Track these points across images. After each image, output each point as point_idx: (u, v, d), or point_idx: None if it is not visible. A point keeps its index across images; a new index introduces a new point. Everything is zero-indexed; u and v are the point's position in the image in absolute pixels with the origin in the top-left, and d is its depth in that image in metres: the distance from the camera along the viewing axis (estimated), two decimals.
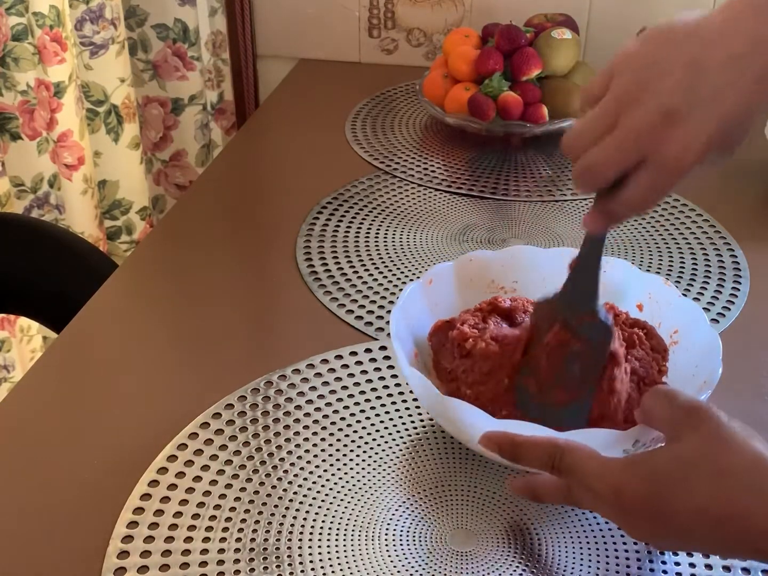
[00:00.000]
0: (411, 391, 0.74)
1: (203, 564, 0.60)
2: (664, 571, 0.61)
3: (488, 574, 0.60)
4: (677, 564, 0.61)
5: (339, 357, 0.79)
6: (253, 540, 0.62)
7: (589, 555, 0.61)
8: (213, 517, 0.64)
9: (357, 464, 0.68)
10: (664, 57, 0.52)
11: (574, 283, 0.61)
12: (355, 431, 0.71)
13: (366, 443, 0.70)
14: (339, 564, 0.60)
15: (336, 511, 0.64)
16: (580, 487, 0.54)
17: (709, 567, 0.61)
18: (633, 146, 0.52)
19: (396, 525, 0.63)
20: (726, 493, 0.49)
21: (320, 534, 0.63)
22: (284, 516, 0.64)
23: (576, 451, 0.54)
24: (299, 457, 0.69)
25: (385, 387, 0.76)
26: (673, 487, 0.50)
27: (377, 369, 0.78)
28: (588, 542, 0.62)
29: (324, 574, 0.60)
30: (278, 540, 0.62)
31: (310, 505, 0.65)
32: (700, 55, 0.51)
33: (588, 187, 0.56)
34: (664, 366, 0.68)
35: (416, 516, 0.64)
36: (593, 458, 0.54)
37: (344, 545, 0.62)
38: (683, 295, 0.73)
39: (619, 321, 0.69)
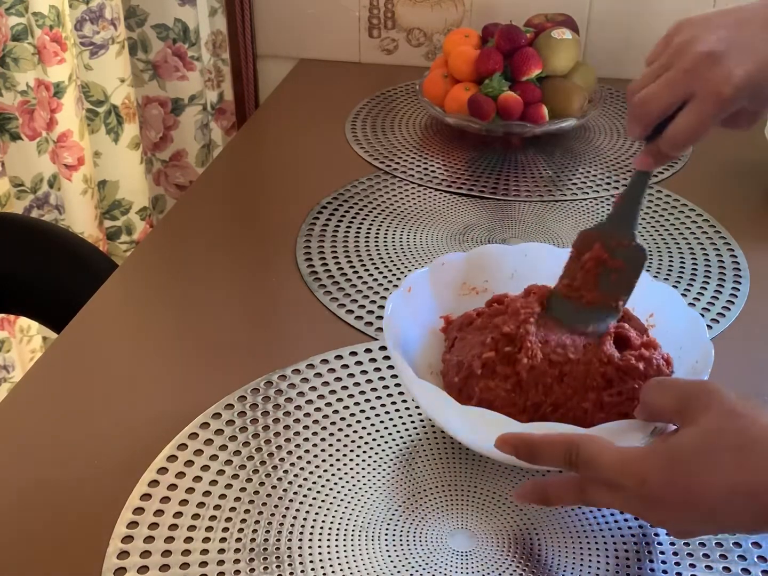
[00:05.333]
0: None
1: (203, 564, 0.60)
2: (664, 571, 0.61)
3: (488, 574, 0.60)
4: (677, 564, 0.61)
5: (339, 357, 0.79)
6: (253, 540, 0.62)
7: (589, 555, 0.61)
8: (213, 517, 0.64)
9: (357, 464, 0.68)
10: (714, 20, 0.62)
11: (616, 214, 0.67)
12: (355, 431, 0.71)
13: (366, 443, 0.70)
14: (339, 564, 0.60)
15: (336, 511, 0.64)
16: (599, 481, 0.54)
17: (709, 567, 0.61)
18: (681, 82, 0.60)
19: (396, 525, 0.63)
20: (753, 465, 0.49)
21: (320, 534, 0.63)
22: (284, 516, 0.64)
23: (592, 443, 0.54)
24: (299, 457, 0.69)
25: (385, 387, 0.76)
26: (699, 468, 0.50)
27: (377, 369, 0.78)
28: (588, 542, 0.62)
29: (324, 574, 0.60)
30: (278, 540, 0.62)
31: (310, 505, 0.65)
32: (746, 18, 0.62)
33: (640, 121, 0.63)
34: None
35: (416, 516, 0.64)
36: (610, 449, 0.54)
37: (344, 545, 0.62)
38: (683, 294, 0.73)
39: None
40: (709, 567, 0.61)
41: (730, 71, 0.59)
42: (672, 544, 0.62)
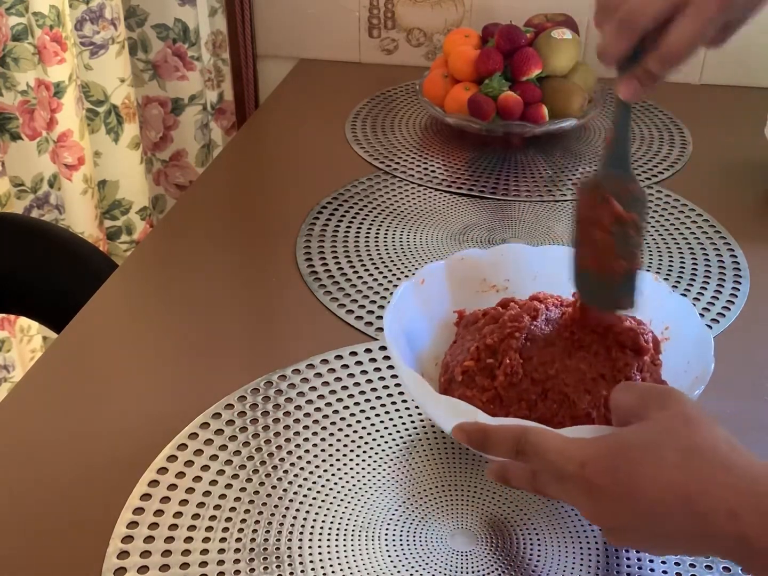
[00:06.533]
0: None
1: (203, 564, 0.60)
2: (664, 572, 0.61)
3: (488, 574, 0.60)
4: (677, 564, 0.61)
5: (339, 357, 0.79)
6: (253, 540, 0.62)
7: (589, 555, 0.61)
8: (213, 517, 0.64)
9: (357, 464, 0.68)
10: None
11: (612, 157, 0.63)
12: (355, 431, 0.71)
13: (366, 443, 0.70)
14: (339, 564, 0.60)
15: (336, 511, 0.64)
16: (545, 469, 0.53)
17: (709, 567, 0.61)
18: None
19: (396, 525, 0.63)
20: (693, 469, 0.48)
21: (320, 534, 0.63)
22: (284, 516, 0.64)
23: (540, 432, 0.53)
24: (299, 457, 0.69)
25: (385, 387, 0.76)
26: (641, 461, 0.49)
27: (377, 369, 0.78)
28: (588, 542, 0.62)
29: (324, 574, 0.60)
30: (278, 540, 0.62)
31: (310, 505, 0.65)
32: None
33: (627, 33, 0.56)
34: (657, 360, 0.67)
35: (416, 516, 0.64)
36: (557, 437, 0.53)
37: (344, 545, 0.62)
38: (683, 294, 0.72)
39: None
40: (709, 567, 0.61)
41: None
42: None
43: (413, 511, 0.65)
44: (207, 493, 0.66)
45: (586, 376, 0.63)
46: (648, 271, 0.91)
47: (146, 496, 0.65)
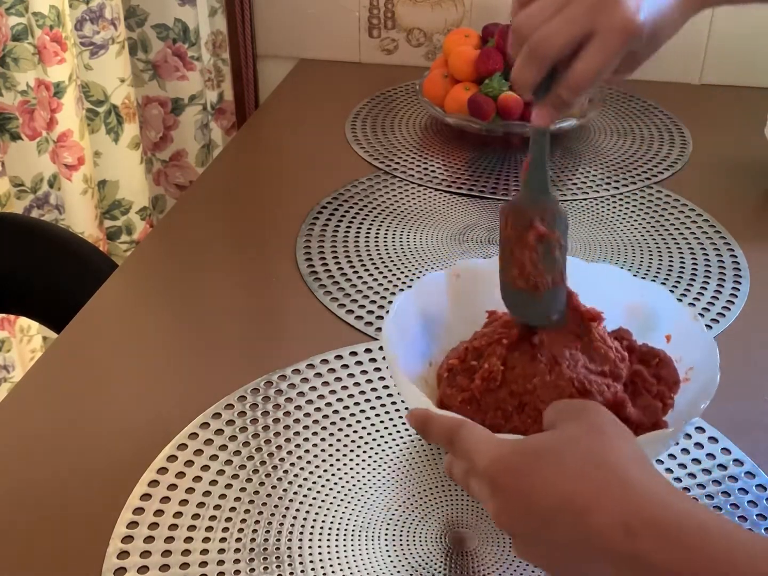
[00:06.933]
0: None
1: (203, 564, 0.60)
2: None
3: (488, 574, 0.60)
4: None
5: (339, 357, 0.79)
6: (253, 540, 0.62)
7: None
8: (213, 517, 0.64)
9: (357, 464, 0.68)
10: None
11: (533, 182, 0.65)
12: (354, 431, 0.71)
13: (366, 443, 0.70)
14: (339, 564, 0.60)
15: (336, 511, 0.64)
16: (468, 466, 0.52)
17: None
18: (584, 17, 0.59)
19: (396, 525, 0.63)
20: (594, 481, 0.47)
21: (320, 534, 0.63)
22: (284, 516, 0.64)
23: (472, 428, 0.53)
24: (299, 457, 0.69)
25: (385, 387, 0.76)
26: (541, 465, 0.48)
27: (377, 369, 0.78)
28: None
29: (324, 574, 0.60)
30: (278, 540, 0.62)
31: (310, 505, 0.65)
32: None
33: (536, 63, 0.60)
34: (670, 399, 0.65)
35: (416, 516, 0.64)
36: (485, 435, 0.52)
37: (344, 545, 0.62)
38: (683, 294, 0.72)
39: (635, 353, 0.67)
40: None
41: (637, 6, 0.58)
42: None
43: (413, 511, 0.65)
44: (207, 493, 0.66)
45: (564, 394, 0.62)
46: (648, 271, 0.91)
47: (146, 496, 0.65)
